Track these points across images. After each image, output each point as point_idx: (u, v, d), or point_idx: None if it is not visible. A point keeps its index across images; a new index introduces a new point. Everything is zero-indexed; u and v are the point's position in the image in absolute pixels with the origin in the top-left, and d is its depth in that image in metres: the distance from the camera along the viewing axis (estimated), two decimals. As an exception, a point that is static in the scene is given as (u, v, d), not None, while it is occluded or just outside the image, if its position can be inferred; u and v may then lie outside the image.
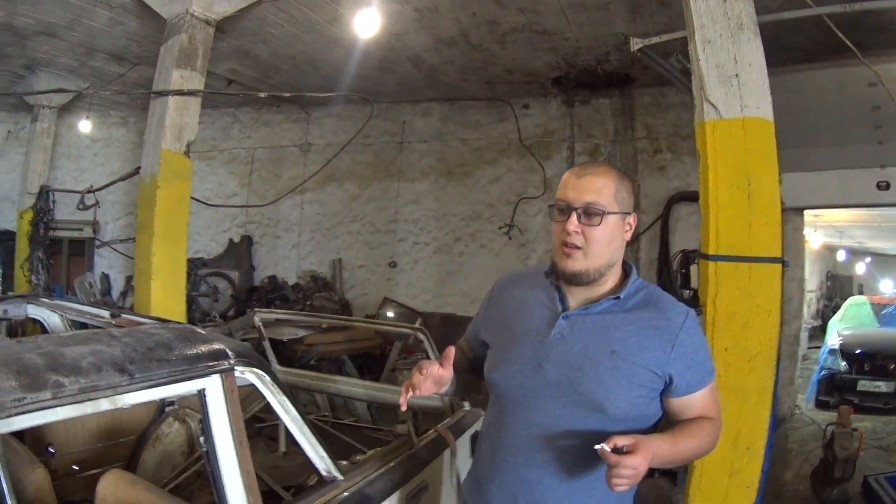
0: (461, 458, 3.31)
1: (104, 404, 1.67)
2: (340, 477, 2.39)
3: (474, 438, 3.44)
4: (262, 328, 5.09)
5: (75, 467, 3.15)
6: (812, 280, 17.77)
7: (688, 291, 7.46)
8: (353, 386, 4.88)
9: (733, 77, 3.54)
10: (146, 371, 1.78)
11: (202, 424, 1.92)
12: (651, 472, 1.71)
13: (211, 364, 1.96)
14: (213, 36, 6.29)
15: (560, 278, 1.96)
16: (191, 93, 5.99)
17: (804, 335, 9.83)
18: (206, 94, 6.26)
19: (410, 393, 1.92)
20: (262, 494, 2.34)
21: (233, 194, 11.32)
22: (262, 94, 7.81)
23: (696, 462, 3.55)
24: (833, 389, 8.40)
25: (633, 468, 1.61)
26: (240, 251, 11.19)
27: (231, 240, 11.28)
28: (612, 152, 9.20)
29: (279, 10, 6.60)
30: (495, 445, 2.00)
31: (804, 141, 6.48)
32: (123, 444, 3.53)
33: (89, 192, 8.74)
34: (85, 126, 9.95)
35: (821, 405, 8.37)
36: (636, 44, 4.44)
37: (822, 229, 13.58)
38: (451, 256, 10.14)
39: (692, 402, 1.90)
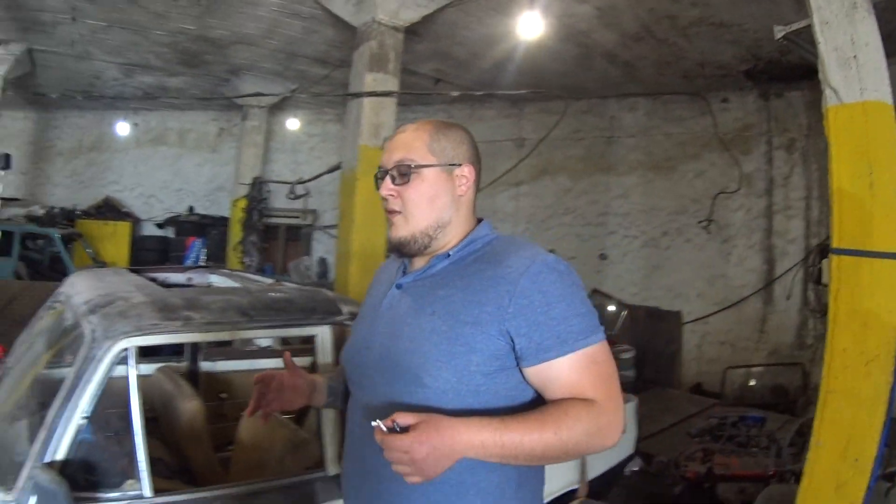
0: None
1: (224, 335, 2.14)
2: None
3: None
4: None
5: (243, 414, 3.64)
6: None
7: (820, 287, 6.98)
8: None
9: (851, 59, 3.30)
10: (265, 316, 2.21)
11: (313, 364, 2.26)
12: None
13: (325, 317, 2.34)
14: (406, 40, 6.75)
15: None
16: (384, 94, 6.47)
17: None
18: (398, 94, 6.73)
19: (267, 409, 1.76)
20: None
21: (448, 188, 11.81)
22: (454, 93, 8.20)
23: (807, 469, 3.34)
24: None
25: (401, 451, 1.32)
26: (455, 240, 11.63)
27: (447, 229, 11.82)
28: (806, 147, 8.72)
29: (466, 15, 6.95)
30: (346, 437, 1.76)
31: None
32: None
33: (299, 182, 9.67)
34: (293, 124, 10.78)
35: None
36: (778, 31, 4.18)
37: None
38: (657, 250, 10.12)
39: (553, 374, 1.47)
